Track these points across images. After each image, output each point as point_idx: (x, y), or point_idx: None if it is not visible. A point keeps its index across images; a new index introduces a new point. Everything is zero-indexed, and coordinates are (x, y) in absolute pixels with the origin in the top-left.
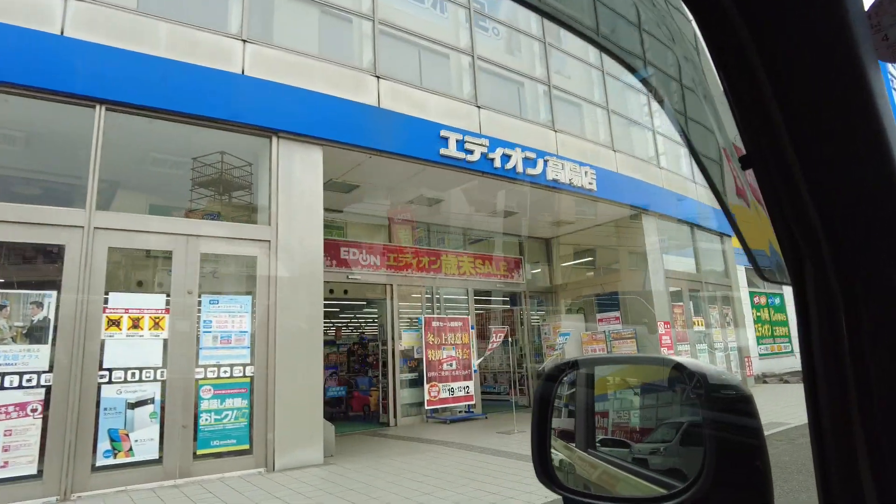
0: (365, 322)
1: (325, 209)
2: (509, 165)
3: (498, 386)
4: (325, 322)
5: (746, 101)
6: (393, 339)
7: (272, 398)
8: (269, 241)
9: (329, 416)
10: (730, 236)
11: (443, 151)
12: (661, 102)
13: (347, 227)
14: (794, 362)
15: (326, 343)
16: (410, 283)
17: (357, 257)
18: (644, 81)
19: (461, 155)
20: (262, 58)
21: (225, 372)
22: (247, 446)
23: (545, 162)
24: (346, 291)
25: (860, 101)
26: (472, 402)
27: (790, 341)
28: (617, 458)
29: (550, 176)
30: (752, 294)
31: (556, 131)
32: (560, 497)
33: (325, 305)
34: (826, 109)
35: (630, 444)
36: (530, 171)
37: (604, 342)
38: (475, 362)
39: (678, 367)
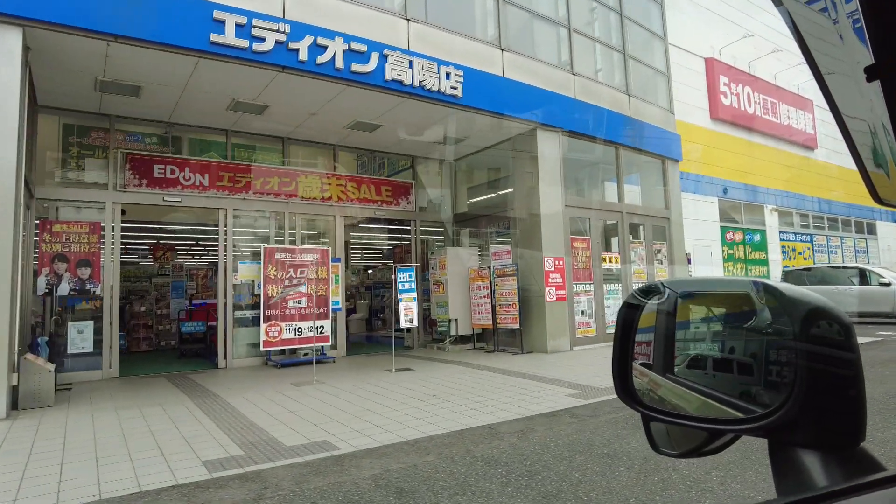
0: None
1: (121, 117)
2: (323, 59)
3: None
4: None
5: None
6: (226, 271)
7: None
8: None
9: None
10: (675, 160)
11: (214, 38)
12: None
13: (172, 140)
14: None
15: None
16: (255, 209)
17: (177, 176)
18: None
19: (243, 43)
20: None
21: None
22: None
23: (383, 57)
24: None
25: None
26: (328, 343)
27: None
28: (696, 383)
29: (390, 75)
30: (724, 229)
31: (408, 20)
32: None
33: (148, 229)
34: None
35: (710, 370)
36: (358, 67)
37: (488, 279)
38: (277, 293)
39: (771, 291)
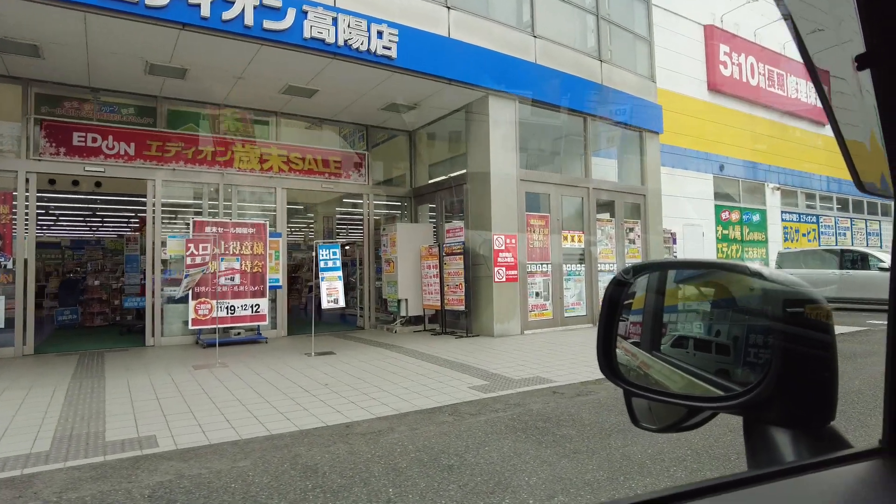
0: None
1: (36, 80)
2: (229, 15)
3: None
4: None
5: None
6: (153, 245)
7: None
8: None
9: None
10: (655, 133)
11: None
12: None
13: (94, 106)
14: None
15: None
16: (186, 179)
17: (100, 144)
18: None
19: None
20: None
21: None
22: None
23: (302, 13)
24: (98, 184)
25: None
26: (265, 323)
27: (766, 265)
28: (680, 361)
29: (310, 33)
30: (718, 208)
31: None
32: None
33: (72, 201)
34: None
35: (694, 349)
36: (271, 24)
37: (437, 257)
38: (185, 282)
39: (755, 274)
